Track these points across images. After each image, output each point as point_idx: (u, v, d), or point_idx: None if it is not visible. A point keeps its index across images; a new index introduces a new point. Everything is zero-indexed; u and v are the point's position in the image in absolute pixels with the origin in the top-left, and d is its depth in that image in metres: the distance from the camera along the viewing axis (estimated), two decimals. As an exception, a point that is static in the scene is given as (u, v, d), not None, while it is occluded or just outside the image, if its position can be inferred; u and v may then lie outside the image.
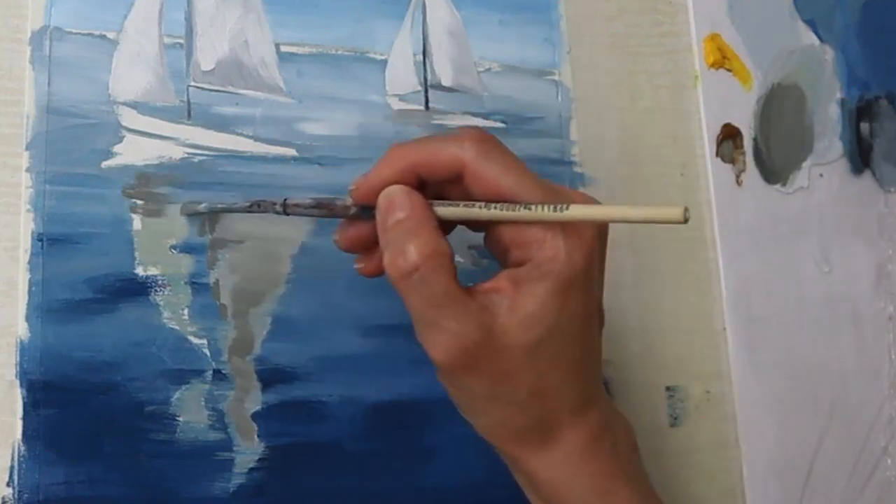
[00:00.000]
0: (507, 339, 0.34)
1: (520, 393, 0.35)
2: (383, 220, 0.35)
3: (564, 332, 0.34)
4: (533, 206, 0.33)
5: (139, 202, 0.41)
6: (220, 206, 0.41)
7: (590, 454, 0.36)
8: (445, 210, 0.35)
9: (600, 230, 0.36)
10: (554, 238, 0.34)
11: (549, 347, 0.34)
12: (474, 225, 0.37)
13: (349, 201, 0.37)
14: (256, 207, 0.39)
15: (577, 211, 0.33)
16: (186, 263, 0.42)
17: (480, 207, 0.35)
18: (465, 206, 0.35)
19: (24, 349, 0.39)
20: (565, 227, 0.34)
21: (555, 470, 0.36)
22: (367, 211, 0.36)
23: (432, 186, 0.36)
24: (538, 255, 0.34)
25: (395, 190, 0.35)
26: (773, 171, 0.53)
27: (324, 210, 0.38)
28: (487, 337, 0.34)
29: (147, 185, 0.42)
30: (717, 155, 0.51)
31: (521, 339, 0.34)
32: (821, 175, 0.54)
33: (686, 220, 0.30)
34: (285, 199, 0.38)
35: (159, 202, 0.42)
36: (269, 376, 0.42)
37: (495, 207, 0.34)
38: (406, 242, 0.34)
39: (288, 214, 0.39)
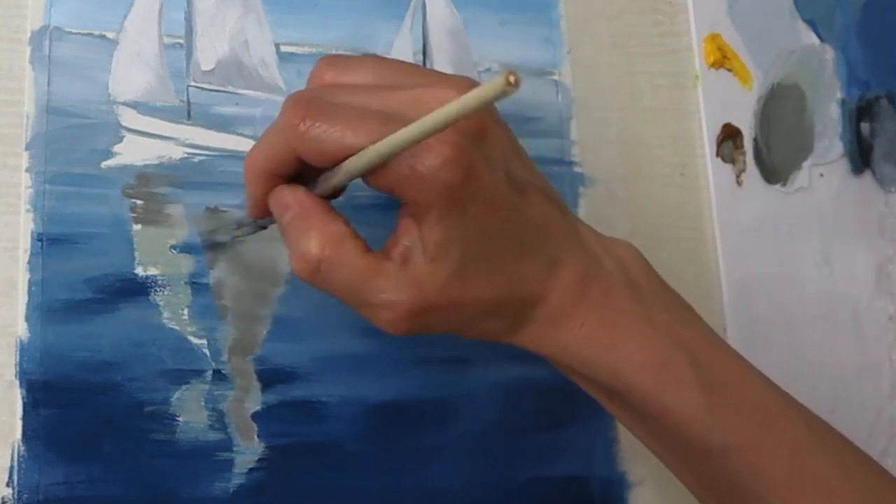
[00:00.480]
0: (437, 276, 0.34)
1: (481, 305, 0.35)
2: (280, 225, 0.35)
3: (484, 233, 0.34)
4: (370, 148, 0.32)
5: (139, 202, 0.41)
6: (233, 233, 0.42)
7: (576, 311, 0.36)
8: (326, 185, 0.35)
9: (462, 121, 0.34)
10: (414, 165, 0.32)
11: (478, 255, 0.34)
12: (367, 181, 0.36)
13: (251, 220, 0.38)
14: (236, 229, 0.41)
15: (402, 135, 0.31)
16: (186, 263, 0.42)
17: (335, 173, 0.34)
18: (332, 173, 0.34)
19: (23, 349, 0.39)
20: (417, 149, 0.32)
21: (552, 342, 0.36)
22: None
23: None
24: (413, 188, 0.33)
25: (279, 191, 0.35)
26: (774, 171, 0.53)
27: (248, 228, 0.40)
28: (419, 288, 0.33)
29: (147, 185, 0.42)
30: (717, 155, 0.51)
31: (449, 268, 0.34)
32: (821, 175, 0.54)
33: (514, 84, 0.27)
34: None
35: (159, 202, 0.42)
36: (269, 376, 0.42)
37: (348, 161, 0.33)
38: (302, 239, 0.34)
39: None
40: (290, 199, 0.35)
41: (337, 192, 0.36)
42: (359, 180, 0.35)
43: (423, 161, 0.32)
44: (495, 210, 0.34)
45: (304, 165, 0.35)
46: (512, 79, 0.27)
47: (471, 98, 0.29)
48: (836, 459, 0.37)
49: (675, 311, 0.38)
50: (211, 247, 0.42)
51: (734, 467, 0.36)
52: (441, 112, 0.30)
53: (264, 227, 0.39)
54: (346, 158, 0.33)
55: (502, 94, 0.27)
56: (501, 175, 0.35)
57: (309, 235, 0.34)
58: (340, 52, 0.46)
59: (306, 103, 0.34)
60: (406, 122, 0.31)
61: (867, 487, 0.37)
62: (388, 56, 0.46)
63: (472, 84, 0.34)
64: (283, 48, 0.45)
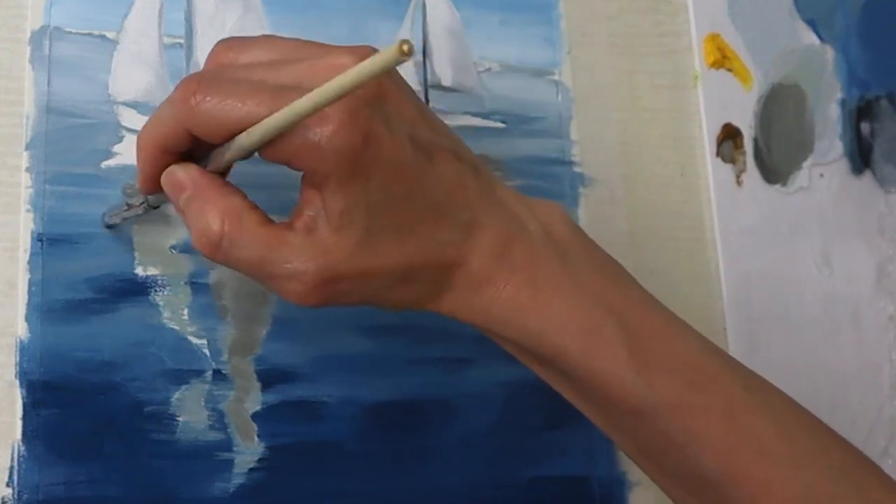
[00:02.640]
0: (343, 244, 0.33)
1: (393, 273, 0.34)
2: (176, 204, 0.35)
3: (390, 199, 0.33)
4: (263, 121, 0.32)
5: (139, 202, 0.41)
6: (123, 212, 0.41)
7: (497, 275, 0.35)
8: (220, 161, 0.34)
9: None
10: (307, 135, 0.32)
11: (386, 221, 0.34)
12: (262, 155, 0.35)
13: (142, 198, 0.38)
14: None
15: (295, 107, 0.30)
16: (186, 263, 0.42)
17: (228, 148, 0.33)
18: (224, 148, 0.34)
19: (23, 349, 0.39)
20: (310, 119, 0.32)
21: (474, 307, 0.36)
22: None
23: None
24: (309, 158, 0.32)
25: (171, 171, 0.35)
26: (774, 171, 0.53)
27: (137, 209, 0.39)
28: (325, 257, 0.33)
29: (147, 185, 0.42)
30: (717, 155, 0.51)
31: (355, 236, 0.33)
32: (821, 175, 0.54)
33: (408, 52, 0.27)
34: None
35: (159, 202, 0.42)
36: (269, 376, 0.42)
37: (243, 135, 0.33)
38: (201, 217, 0.33)
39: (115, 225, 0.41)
40: (184, 177, 0.34)
41: (229, 168, 0.36)
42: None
43: (315, 130, 0.32)
44: (400, 175, 0.33)
45: (196, 142, 0.34)
46: (405, 48, 0.27)
47: (365, 66, 0.28)
48: (775, 421, 0.36)
49: (604, 272, 0.37)
50: (108, 227, 0.41)
51: (667, 429, 0.35)
52: (335, 82, 0.29)
53: (156, 207, 0.39)
54: (238, 132, 0.33)
55: (395, 62, 0.27)
56: (404, 139, 0.34)
57: (206, 212, 0.33)
58: (340, 52, 0.46)
59: (199, 78, 0.33)
60: (301, 91, 0.31)
61: (808, 450, 0.36)
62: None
63: (370, 52, 0.33)
64: (283, 48, 0.45)
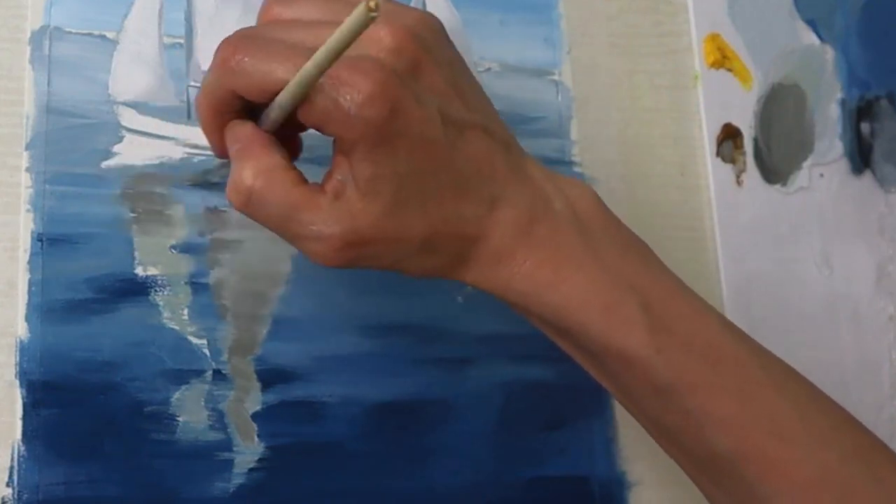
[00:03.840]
0: (369, 210, 0.34)
1: (416, 241, 0.35)
2: (230, 156, 0.36)
3: (417, 170, 0.34)
4: (292, 80, 0.33)
5: (139, 202, 0.41)
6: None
7: (518, 250, 0.36)
8: (268, 120, 0.35)
9: (388, 58, 0.34)
10: (338, 101, 0.33)
11: (412, 192, 0.34)
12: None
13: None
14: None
15: (311, 64, 0.31)
16: (186, 263, 0.42)
17: (272, 107, 0.34)
18: (270, 108, 0.34)
19: (23, 349, 0.39)
20: (342, 85, 0.32)
21: (496, 279, 0.36)
22: None
23: None
24: (338, 124, 0.33)
25: (231, 126, 0.36)
26: (774, 171, 0.53)
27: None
28: (351, 221, 0.34)
29: (147, 185, 0.42)
30: (717, 155, 0.51)
31: (381, 203, 0.34)
32: (821, 175, 0.54)
33: (374, 9, 0.28)
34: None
35: (159, 202, 0.42)
36: (269, 376, 0.42)
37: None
38: (238, 170, 0.34)
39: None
40: (238, 131, 0.35)
41: (295, 129, 0.36)
42: None
43: (346, 97, 0.32)
44: (427, 149, 0.34)
45: (252, 102, 0.35)
46: (372, 3, 0.28)
47: (341, 31, 0.30)
48: (790, 401, 0.37)
49: (627, 252, 0.38)
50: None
51: (684, 407, 0.36)
52: (332, 40, 0.30)
53: None
54: (277, 92, 0.33)
55: (364, 22, 0.29)
56: (433, 112, 0.34)
57: (244, 165, 0.34)
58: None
59: (239, 39, 0.34)
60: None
61: (822, 431, 0.37)
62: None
63: (415, 19, 0.35)
64: (283, 48, 0.45)
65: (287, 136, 0.36)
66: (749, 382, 0.37)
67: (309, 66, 0.31)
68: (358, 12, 0.29)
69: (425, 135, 0.34)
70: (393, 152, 0.33)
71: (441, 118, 0.34)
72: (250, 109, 0.36)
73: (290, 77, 0.33)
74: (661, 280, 0.38)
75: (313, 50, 0.32)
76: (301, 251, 0.35)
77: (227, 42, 0.34)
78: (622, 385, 0.38)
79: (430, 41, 0.35)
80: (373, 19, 0.29)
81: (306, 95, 0.33)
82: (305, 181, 0.34)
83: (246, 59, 0.34)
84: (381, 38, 0.34)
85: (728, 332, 0.38)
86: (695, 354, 0.36)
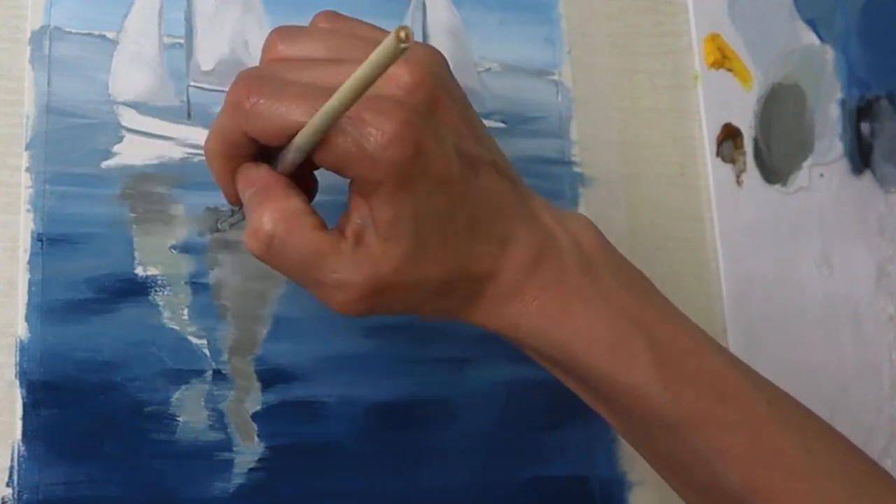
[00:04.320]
0: (390, 255, 0.33)
1: (435, 284, 0.34)
2: (244, 203, 0.35)
3: (436, 211, 0.33)
4: (310, 122, 0.32)
5: (139, 202, 0.41)
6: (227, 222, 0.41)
7: (527, 288, 0.35)
8: (285, 163, 0.34)
9: (407, 97, 0.33)
10: (360, 142, 0.32)
11: (431, 233, 0.34)
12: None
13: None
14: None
15: (329, 105, 0.30)
16: (186, 263, 0.42)
17: (289, 150, 0.33)
18: (286, 150, 0.34)
19: (23, 349, 0.39)
20: (364, 126, 0.32)
21: (504, 318, 0.36)
22: None
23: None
24: (360, 165, 0.32)
25: (243, 169, 0.35)
26: (774, 171, 0.53)
27: (239, 214, 0.39)
28: (373, 268, 0.33)
29: (147, 185, 0.42)
30: (717, 155, 0.51)
31: (402, 247, 0.33)
32: (821, 175, 0.54)
33: (405, 39, 0.27)
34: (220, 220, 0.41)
35: (159, 202, 0.42)
36: (269, 376, 0.42)
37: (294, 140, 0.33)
38: (256, 215, 0.33)
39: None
40: (253, 175, 0.34)
41: (309, 169, 0.36)
42: None
43: (369, 138, 0.31)
44: (446, 188, 0.34)
45: (264, 144, 0.34)
46: (403, 34, 0.27)
47: (368, 65, 0.28)
48: (798, 436, 0.37)
49: (632, 286, 0.37)
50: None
51: (690, 442, 0.36)
52: (350, 83, 0.29)
53: None
54: (294, 135, 0.33)
55: (395, 53, 0.27)
56: (451, 151, 0.34)
57: (263, 211, 0.33)
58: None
59: (251, 81, 0.33)
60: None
61: (828, 464, 0.37)
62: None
63: (424, 51, 0.34)
64: (283, 48, 0.45)
65: (300, 177, 0.35)
66: (755, 417, 0.36)
67: (333, 103, 0.30)
68: (388, 44, 0.27)
69: (445, 174, 0.33)
70: (414, 193, 0.33)
71: (457, 155, 0.34)
72: (262, 152, 0.35)
73: (307, 119, 0.32)
74: (665, 314, 0.37)
75: (329, 89, 0.31)
76: (320, 299, 0.34)
77: (239, 84, 0.33)
78: (629, 421, 0.38)
79: (444, 77, 0.35)
80: (403, 51, 0.27)
81: (326, 136, 0.32)
82: (326, 226, 0.34)
83: (261, 101, 0.32)
84: (398, 76, 0.33)
85: (733, 367, 0.37)
86: (701, 390, 0.36)
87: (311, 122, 0.32)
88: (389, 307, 0.35)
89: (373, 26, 0.37)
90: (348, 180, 0.34)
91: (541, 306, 0.36)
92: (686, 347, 0.37)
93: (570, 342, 0.36)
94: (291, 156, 0.33)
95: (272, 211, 0.33)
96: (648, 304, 0.37)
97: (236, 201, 0.36)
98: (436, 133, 0.33)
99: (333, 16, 0.37)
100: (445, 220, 0.34)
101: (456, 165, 0.34)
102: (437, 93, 0.34)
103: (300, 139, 0.32)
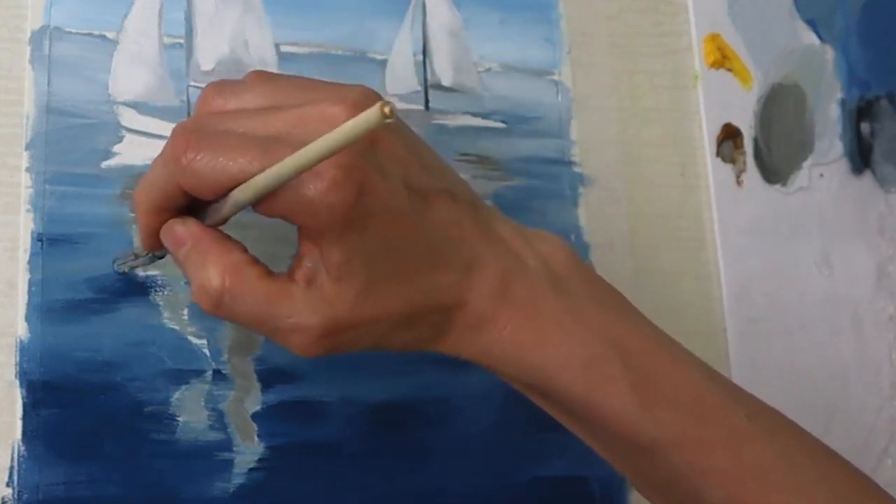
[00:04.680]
0: (343, 295, 0.33)
1: (395, 318, 0.34)
2: (176, 259, 0.35)
3: (387, 246, 0.33)
4: (255, 179, 0.31)
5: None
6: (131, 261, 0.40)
7: (498, 314, 0.35)
8: (217, 216, 0.34)
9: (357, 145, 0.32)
10: (301, 191, 0.31)
11: (385, 269, 0.33)
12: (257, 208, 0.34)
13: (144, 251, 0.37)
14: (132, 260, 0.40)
15: (285, 166, 0.30)
16: (186, 263, 0.42)
17: (224, 203, 0.33)
18: (221, 204, 0.33)
19: (23, 349, 0.39)
20: (303, 176, 0.31)
21: (476, 346, 0.35)
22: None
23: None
24: (304, 213, 0.32)
25: (170, 226, 0.34)
26: (774, 171, 0.53)
27: (144, 259, 0.39)
28: (327, 308, 0.33)
29: (147, 185, 0.42)
30: (717, 155, 0.51)
31: (355, 286, 0.33)
32: (821, 175, 0.54)
33: (389, 115, 0.27)
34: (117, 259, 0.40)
35: (165, 252, 0.42)
36: (269, 376, 0.42)
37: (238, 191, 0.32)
38: (200, 272, 0.33)
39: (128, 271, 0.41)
40: (183, 232, 0.34)
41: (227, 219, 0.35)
42: None
43: (309, 186, 0.31)
44: (396, 221, 0.33)
45: (193, 196, 0.34)
46: (387, 110, 0.27)
47: (345, 129, 0.28)
48: (780, 449, 0.36)
49: (605, 305, 0.37)
50: (119, 276, 0.41)
51: (671, 462, 0.35)
52: (319, 143, 0.29)
53: (161, 257, 0.38)
54: (232, 188, 0.32)
55: (377, 125, 0.27)
56: (398, 184, 0.33)
57: (206, 267, 0.33)
58: (340, 52, 0.46)
59: (188, 134, 0.32)
60: (291, 144, 0.30)
61: (811, 477, 0.36)
62: (387, 55, 0.46)
63: (362, 97, 0.33)
64: (283, 48, 0.45)
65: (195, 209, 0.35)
66: (736, 434, 0.36)
67: (290, 162, 0.30)
68: (370, 115, 0.27)
69: (393, 208, 0.33)
70: (363, 232, 0.32)
71: (406, 188, 0.33)
72: (189, 204, 0.34)
73: (245, 172, 0.31)
74: (640, 332, 0.37)
75: (266, 138, 0.31)
76: (280, 344, 0.34)
77: (176, 137, 0.33)
78: (608, 443, 0.37)
79: None
80: (387, 125, 0.27)
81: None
82: (272, 273, 0.33)
83: (199, 156, 0.32)
84: (334, 117, 0.32)
85: (712, 383, 0.37)
86: (680, 409, 0.36)
87: (257, 178, 0.31)
88: (350, 345, 0.34)
89: (307, 78, 0.36)
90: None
91: (513, 331, 0.35)
92: (662, 365, 0.36)
93: (544, 366, 0.35)
94: (227, 210, 0.33)
95: (215, 266, 0.33)
96: (623, 322, 0.37)
97: (152, 248, 0.36)
98: (380, 169, 0.32)
99: (267, 73, 0.36)
100: (400, 253, 0.34)
101: (404, 198, 0.33)
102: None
103: (240, 195, 0.32)
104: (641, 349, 0.36)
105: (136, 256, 0.39)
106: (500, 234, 0.37)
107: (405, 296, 0.34)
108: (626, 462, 0.38)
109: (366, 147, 0.32)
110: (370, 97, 0.33)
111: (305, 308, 0.33)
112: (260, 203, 0.32)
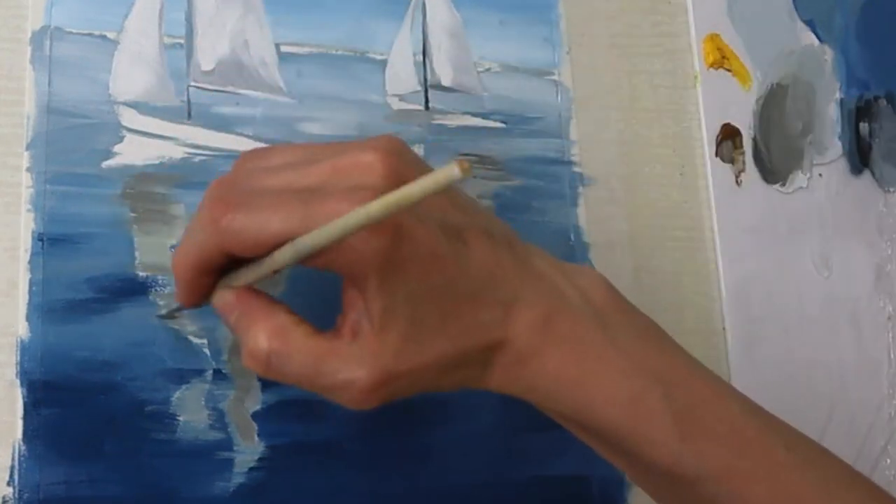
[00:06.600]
0: (388, 344, 0.33)
1: (443, 361, 0.34)
2: (227, 325, 0.35)
3: (429, 290, 0.33)
4: (297, 241, 0.32)
5: (140, 202, 0.41)
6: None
7: (543, 349, 0.35)
8: (261, 274, 0.34)
9: (381, 182, 0.32)
10: (339, 245, 0.32)
11: (428, 313, 0.33)
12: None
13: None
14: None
15: (341, 224, 0.30)
16: (187, 263, 0.42)
17: (266, 262, 0.33)
18: (263, 262, 0.33)
19: (24, 349, 0.39)
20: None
21: (521, 382, 0.36)
22: None
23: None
24: (345, 262, 0.32)
25: (220, 294, 0.35)
26: (773, 171, 0.53)
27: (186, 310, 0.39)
28: (374, 360, 0.33)
29: (147, 185, 0.42)
30: (717, 155, 0.51)
31: (399, 333, 0.33)
32: (820, 175, 0.54)
33: (468, 170, 0.27)
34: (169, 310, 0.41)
35: (160, 202, 0.42)
36: (270, 376, 0.42)
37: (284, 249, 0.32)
38: (248, 336, 0.33)
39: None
40: (231, 300, 0.34)
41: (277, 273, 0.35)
42: None
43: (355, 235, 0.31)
44: (436, 264, 0.33)
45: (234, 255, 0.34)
46: (466, 166, 0.27)
47: (422, 184, 0.28)
48: (818, 480, 0.37)
49: (645, 338, 0.37)
50: (163, 318, 0.41)
51: (712, 494, 0.36)
52: (401, 195, 0.29)
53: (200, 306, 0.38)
54: (275, 244, 0.32)
55: (454, 181, 0.27)
56: (435, 227, 0.33)
57: (254, 331, 0.33)
58: (340, 52, 0.46)
59: (225, 196, 0.33)
60: (330, 195, 0.31)
61: None
62: (387, 55, 0.46)
63: (390, 142, 0.33)
64: (283, 48, 0.45)
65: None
66: (775, 466, 0.36)
67: (333, 227, 0.30)
68: (448, 172, 0.27)
69: (432, 251, 0.33)
70: (403, 277, 0.32)
71: (442, 230, 0.34)
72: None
73: (286, 228, 0.31)
74: (679, 364, 0.37)
75: (303, 190, 0.31)
76: (335, 402, 0.34)
77: (212, 199, 0.33)
78: (649, 475, 0.38)
79: (412, 157, 0.35)
80: (461, 181, 0.27)
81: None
82: (319, 331, 0.34)
83: (238, 216, 0.32)
84: (371, 164, 0.32)
85: (750, 415, 0.37)
86: (720, 441, 0.36)
87: (301, 240, 0.31)
88: (403, 392, 0.34)
89: (329, 143, 0.36)
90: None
91: (557, 366, 0.35)
92: (702, 398, 0.37)
93: (588, 401, 0.35)
94: (269, 268, 0.33)
95: (263, 330, 0.33)
96: (664, 354, 0.37)
97: (190, 305, 0.36)
98: (415, 213, 0.33)
99: (289, 143, 0.37)
100: (441, 295, 0.34)
101: (442, 240, 0.33)
102: (411, 173, 0.33)
103: (280, 255, 0.32)
104: (682, 381, 0.36)
105: (180, 308, 0.40)
106: (539, 269, 0.37)
107: (450, 337, 0.34)
108: (669, 493, 0.38)
109: None
110: (396, 144, 0.34)
111: (352, 362, 0.33)
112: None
